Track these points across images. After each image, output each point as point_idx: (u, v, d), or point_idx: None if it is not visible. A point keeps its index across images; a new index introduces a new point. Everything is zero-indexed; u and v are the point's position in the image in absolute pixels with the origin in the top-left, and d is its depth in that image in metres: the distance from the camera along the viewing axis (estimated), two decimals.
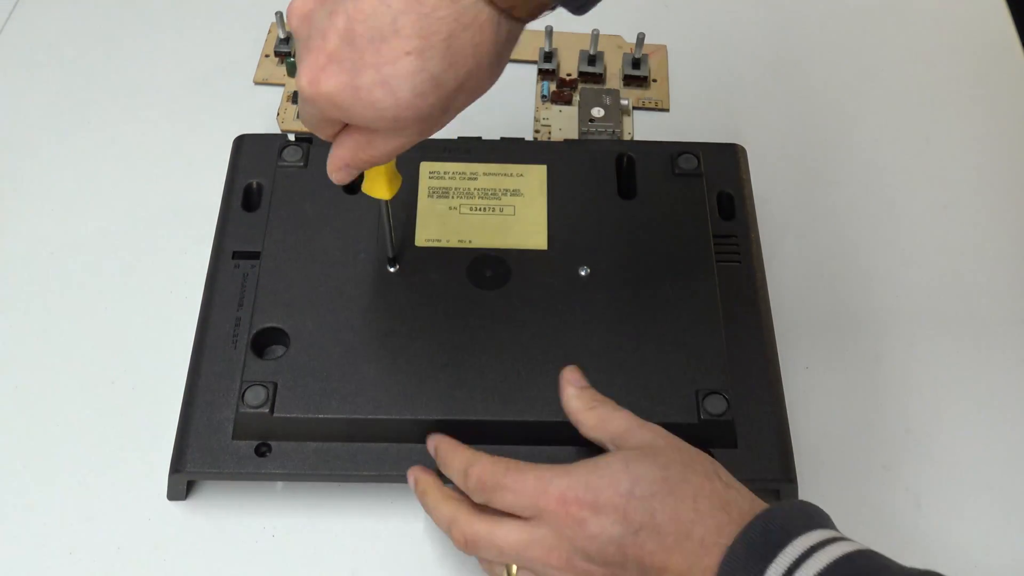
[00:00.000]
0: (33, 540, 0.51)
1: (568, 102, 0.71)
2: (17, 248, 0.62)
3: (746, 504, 0.42)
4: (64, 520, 0.52)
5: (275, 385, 0.51)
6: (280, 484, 0.53)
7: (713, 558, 0.40)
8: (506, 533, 0.43)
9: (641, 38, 0.70)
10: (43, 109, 0.70)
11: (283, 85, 0.71)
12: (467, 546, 0.45)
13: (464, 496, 0.46)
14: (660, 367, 0.52)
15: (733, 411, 0.50)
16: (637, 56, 0.71)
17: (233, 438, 0.51)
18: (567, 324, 0.53)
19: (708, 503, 0.41)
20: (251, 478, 0.51)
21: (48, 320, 0.59)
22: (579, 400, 0.48)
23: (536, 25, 0.73)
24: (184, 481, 0.51)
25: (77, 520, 0.52)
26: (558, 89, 0.71)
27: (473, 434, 0.49)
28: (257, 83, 0.71)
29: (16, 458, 0.54)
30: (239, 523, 0.52)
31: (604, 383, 0.50)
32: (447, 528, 0.46)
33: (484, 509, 0.45)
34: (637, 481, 0.42)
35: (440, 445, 0.48)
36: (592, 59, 0.71)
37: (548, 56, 0.71)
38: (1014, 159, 0.69)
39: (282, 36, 0.72)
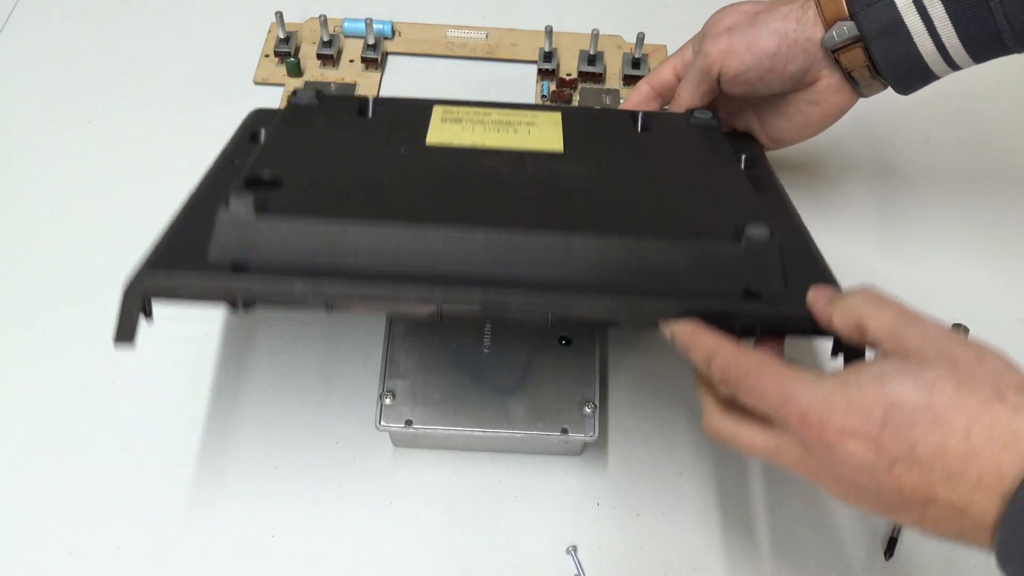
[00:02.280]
0: (33, 540, 0.51)
1: (568, 102, 0.71)
2: (17, 248, 0.62)
3: None
4: (64, 520, 0.52)
5: (265, 199, 0.44)
6: (278, 486, 0.53)
7: (993, 501, 0.34)
8: (750, 438, 0.40)
9: (641, 38, 0.70)
10: (43, 109, 0.70)
11: (283, 85, 0.71)
12: (712, 436, 0.42)
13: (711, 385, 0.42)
14: (695, 212, 0.48)
15: (776, 241, 0.44)
16: (637, 56, 0.71)
17: (209, 255, 0.43)
18: (587, 193, 0.49)
19: (987, 437, 0.34)
20: (222, 296, 0.43)
21: (47, 320, 0.59)
22: (819, 297, 0.42)
23: (536, 24, 0.74)
24: (140, 298, 0.41)
25: (77, 520, 0.52)
26: (558, 89, 0.71)
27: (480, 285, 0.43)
28: (257, 83, 0.71)
29: (16, 458, 0.54)
30: (239, 523, 0.52)
31: (634, 233, 0.45)
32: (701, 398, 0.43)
33: (734, 405, 0.41)
34: (893, 407, 0.35)
35: (680, 333, 0.42)
36: (592, 59, 0.71)
37: (548, 56, 0.71)
38: (1013, 159, 0.69)
39: (282, 36, 0.72)
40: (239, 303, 0.44)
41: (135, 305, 0.41)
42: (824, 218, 0.65)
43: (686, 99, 0.57)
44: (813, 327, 0.42)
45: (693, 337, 0.41)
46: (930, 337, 0.37)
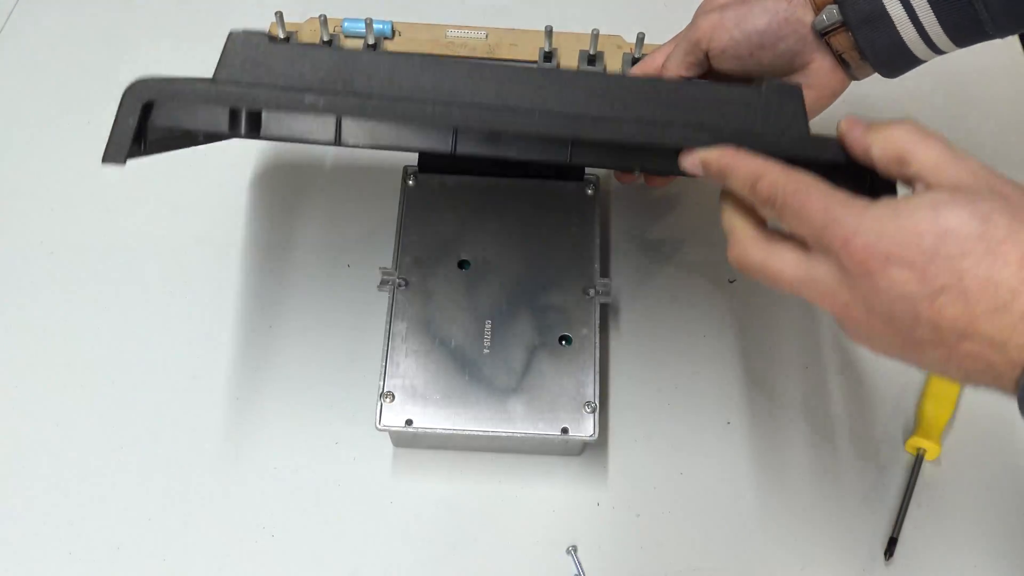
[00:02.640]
0: (33, 540, 0.51)
1: None
2: (17, 248, 0.62)
3: None
4: (64, 520, 0.52)
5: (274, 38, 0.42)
6: (278, 486, 0.53)
7: None
8: (782, 264, 0.39)
9: (641, 38, 0.70)
10: (43, 109, 0.70)
11: None
12: (738, 265, 0.40)
13: (752, 210, 0.41)
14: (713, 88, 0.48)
15: (799, 89, 0.44)
16: (637, 56, 0.71)
17: (216, 77, 0.41)
18: (600, 77, 0.49)
19: None
20: (228, 103, 0.41)
21: (47, 320, 0.59)
22: (855, 125, 0.40)
23: (536, 24, 0.74)
24: (140, 105, 0.39)
25: (77, 520, 0.52)
26: None
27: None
28: None
29: (16, 458, 0.54)
30: (239, 523, 0.52)
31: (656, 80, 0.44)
32: (728, 230, 0.41)
33: (767, 232, 0.40)
34: (945, 236, 0.34)
35: (719, 157, 0.41)
36: (592, 59, 0.71)
37: (548, 56, 0.71)
38: (1004, 143, 0.69)
39: (282, 36, 0.72)
40: (242, 122, 0.41)
41: (132, 113, 0.38)
42: None
43: (672, 70, 0.57)
44: (844, 160, 0.40)
45: (735, 159, 0.40)
46: (979, 173, 0.36)
